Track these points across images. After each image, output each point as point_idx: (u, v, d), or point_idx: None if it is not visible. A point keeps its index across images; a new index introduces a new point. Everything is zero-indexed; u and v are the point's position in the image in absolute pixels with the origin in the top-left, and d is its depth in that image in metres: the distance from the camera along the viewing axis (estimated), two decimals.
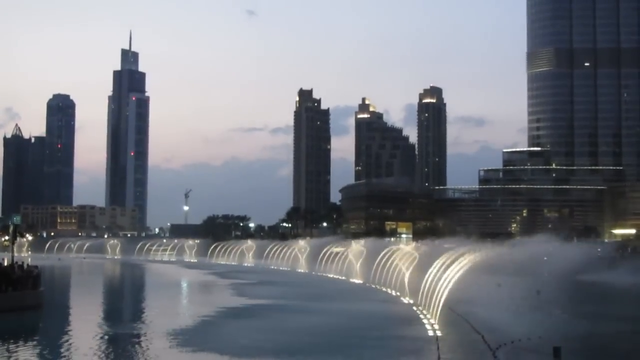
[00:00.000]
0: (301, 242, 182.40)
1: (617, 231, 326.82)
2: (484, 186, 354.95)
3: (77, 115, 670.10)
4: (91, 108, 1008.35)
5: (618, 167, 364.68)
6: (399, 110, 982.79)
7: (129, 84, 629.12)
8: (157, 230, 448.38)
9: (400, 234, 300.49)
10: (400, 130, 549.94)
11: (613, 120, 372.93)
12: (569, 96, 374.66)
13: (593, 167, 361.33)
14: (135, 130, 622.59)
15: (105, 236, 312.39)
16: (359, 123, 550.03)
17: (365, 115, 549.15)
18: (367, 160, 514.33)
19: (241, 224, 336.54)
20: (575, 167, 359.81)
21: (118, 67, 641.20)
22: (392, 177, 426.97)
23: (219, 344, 47.48)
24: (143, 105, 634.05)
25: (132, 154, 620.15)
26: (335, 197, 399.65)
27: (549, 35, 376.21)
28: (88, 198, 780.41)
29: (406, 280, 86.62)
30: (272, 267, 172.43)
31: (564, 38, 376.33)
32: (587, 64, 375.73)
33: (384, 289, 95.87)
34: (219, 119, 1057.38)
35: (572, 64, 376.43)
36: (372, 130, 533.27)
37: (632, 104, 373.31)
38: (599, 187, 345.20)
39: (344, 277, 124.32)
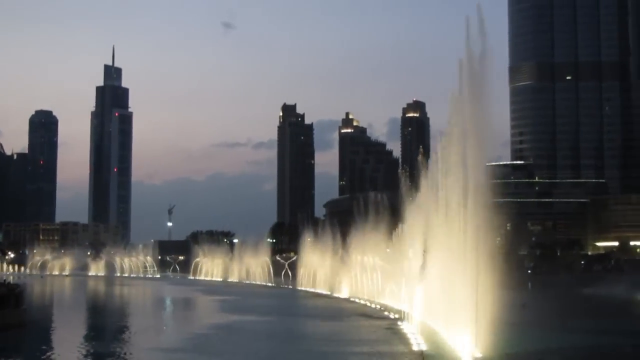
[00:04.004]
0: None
1: (600, 244, 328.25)
2: (469, 199, 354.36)
3: (60, 132, 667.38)
4: (74, 124, 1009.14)
5: (600, 180, 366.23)
6: (382, 125, 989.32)
7: (112, 100, 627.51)
8: (140, 246, 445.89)
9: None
10: (383, 145, 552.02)
11: (595, 133, 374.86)
12: (551, 109, 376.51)
13: (576, 180, 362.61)
14: (119, 146, 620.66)
15: (89, 253, 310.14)
16: (343, 137, 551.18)
17: (349, 130, 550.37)
18: (351, 175, 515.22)
19: (225, 240, 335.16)
20: (558, 180, 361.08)
21: (101, 83, 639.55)
22: (376, 191, 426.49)
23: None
24: (126, 121, 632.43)
25: (115, 170, 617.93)
26: (320, 211, 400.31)
27: (530, 49, 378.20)
28: (71, 215, 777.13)
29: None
30: (257, 282, 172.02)
31: (545, 52, 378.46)
32: (568, 78, 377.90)
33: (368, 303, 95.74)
34: (202, 134, 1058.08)
35: (553, 77, 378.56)
36: (356, 144, 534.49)
37: (614, 117, 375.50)
38: (581, 200, 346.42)
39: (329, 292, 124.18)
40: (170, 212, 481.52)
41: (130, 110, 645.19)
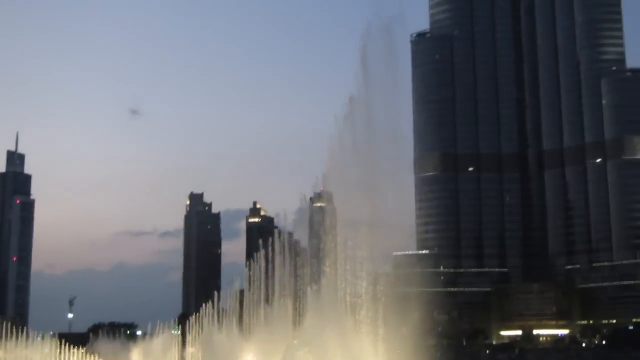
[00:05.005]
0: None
1: (505, 332, 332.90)
2: (375, 289, 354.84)
3: None
4: None
5: (503, 269, 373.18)
6: (290, 214, 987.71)
7: (13, 187, 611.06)
8: (39, 339, 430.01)
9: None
10: (291, 234, 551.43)
11: (497, 223, 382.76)
12: (455, 200, 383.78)
13: (479, 270, 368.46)
14: (19, 234, 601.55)
15: None
16: (250, 227, 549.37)
17: (256, 219, 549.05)
18: (258, 265, 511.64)
19: (128, 332, 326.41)
20: (462, 270, 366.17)
21: (3, 169, 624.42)
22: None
23: None
24: (28, 208, 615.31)
25: (14, 259, 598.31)
26: (226, 302, 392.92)
27: (434, 140, 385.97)
28: None
29: None
30: None
31: (449, 144, 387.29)
32: (471, 169, 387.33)
33: None
34: (107, 222, 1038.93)
35: (457, 168, 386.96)
36: (263, 234, 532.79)
37: (514, 207, 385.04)
38: (485, 289, 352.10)
39: None
40: (71, 303, 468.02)
41: (32, 197, 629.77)
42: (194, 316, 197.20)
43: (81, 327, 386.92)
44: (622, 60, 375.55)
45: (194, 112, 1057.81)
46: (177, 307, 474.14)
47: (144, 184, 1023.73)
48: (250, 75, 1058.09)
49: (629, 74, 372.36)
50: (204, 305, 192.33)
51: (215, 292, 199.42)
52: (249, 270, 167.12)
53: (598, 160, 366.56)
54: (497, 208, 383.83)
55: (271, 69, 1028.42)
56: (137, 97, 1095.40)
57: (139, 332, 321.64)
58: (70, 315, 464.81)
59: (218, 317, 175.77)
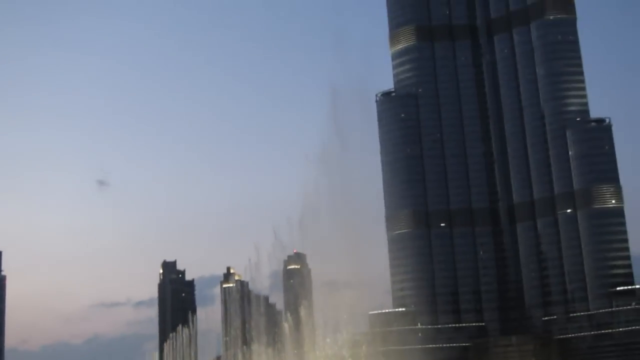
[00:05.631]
0: None
1: None
2: (353, 349, 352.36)
3: None
4: None
5: (480, 323, 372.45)
6: (264, 278, 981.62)
7: None
8: None
9: None
10: (267, 298, 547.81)
11: (472, 277, 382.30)
12: (429, 256, 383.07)
13: (457, 325, 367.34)
14: None
15: None
16: (225, 292, 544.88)
17: (231, 284, 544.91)
18: (234, 330, 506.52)
19: None
20: (440, 326, 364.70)
21: None
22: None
23: None
24: None
25: None
26: None
27: (405, 197, 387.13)
28: None
29: None
30: None
31: (419, 200, 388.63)
32: (442, 224, 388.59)
33: None
34: (79, 294, 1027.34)
35: (429, 224, 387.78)
36: (239, 299, 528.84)
37: (488, 261, 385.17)
38: (463, 344, 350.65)
39: None
40: None
41: (3, 273, 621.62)
42: None
43: None
44: (585, 111, 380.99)
45: (161, 180, 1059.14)
46: None
47: (115, 255, 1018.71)
48: (218, 139, 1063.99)
49: (593, 124, 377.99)
50: None
51: None
52: (226, 336, 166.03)
53: (569, 210, 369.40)
54: (471, 262, 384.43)
55: (238, 132, 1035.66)
56: (104, 168, 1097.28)
57: None
58: None
59: None
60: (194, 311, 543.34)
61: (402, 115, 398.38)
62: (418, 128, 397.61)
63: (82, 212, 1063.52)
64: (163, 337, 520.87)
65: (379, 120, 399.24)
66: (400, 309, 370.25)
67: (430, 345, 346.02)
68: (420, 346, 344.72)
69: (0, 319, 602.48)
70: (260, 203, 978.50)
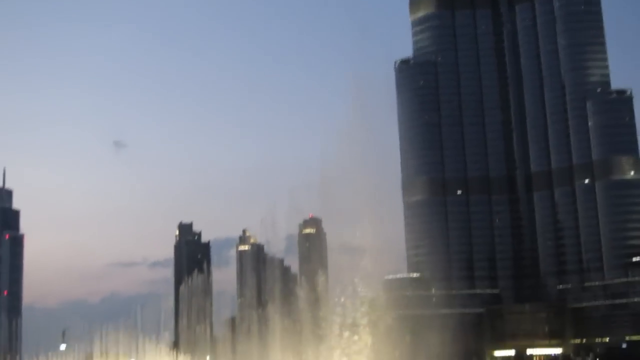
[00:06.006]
0: None
1: (498, 353, 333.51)
2: (367, 314, 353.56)
3: None
4: None
5: (494, 291, 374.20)
6: (279, 241, 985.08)
7: (2, 222, 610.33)
8: None
9: None
10: (282, 261, 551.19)
11: (487, 245, 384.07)
12: (445, 222, 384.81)
13: (471, 292, 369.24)
14: (9, 269, 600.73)
15: None
16: (240, 255, 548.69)
17: (246, 247, 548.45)
18: (250, 291, 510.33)
19: None
20: (454, 292, 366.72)
21: None
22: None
23: None
24: (17, 243, 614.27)
25: (5, 293, 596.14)
26: (218, 329, 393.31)
27: (422, 165, 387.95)
28: None
29: None
30: None
31: (436, 168, 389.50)
32: (459, 192, 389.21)
33: None
34: (96, 254, 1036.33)
35: (445, 192, 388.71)
36: (254, 261, 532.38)
37: (504, 229, 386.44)
38: (477, 311, 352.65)
39: None
40: (64, 334, 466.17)
41: (21, 232, 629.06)
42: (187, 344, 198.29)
43: (75, 358, 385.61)
44: (607, 82, 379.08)
45: (179, 142, 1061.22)
46: (170, 336, 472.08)
47: (132, 215, 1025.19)
48: (237, 102, 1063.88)
49: (614, 95, 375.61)
50: (196, 333, 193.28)
51: (208, 320, 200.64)
52: (240, 297, 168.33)
53: (586, 181, 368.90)
54: (486, 230, 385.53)
55: (259, 96, 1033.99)
56: (121, 129, 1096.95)
57: None
58: (63, 347, 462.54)
59: (211, 345, 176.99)
60: (209, 273, 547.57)
61: (421, 82, 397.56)
62: (436, 95, 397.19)
63: (99, 173, 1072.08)
64: (179, 298, 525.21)
65: (398, 87, 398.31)
66: (414, 275, 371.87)
67: (444, 311, 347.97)
68: (434, 312, 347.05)
69: (18, 276, 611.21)
70: (278, 167, 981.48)
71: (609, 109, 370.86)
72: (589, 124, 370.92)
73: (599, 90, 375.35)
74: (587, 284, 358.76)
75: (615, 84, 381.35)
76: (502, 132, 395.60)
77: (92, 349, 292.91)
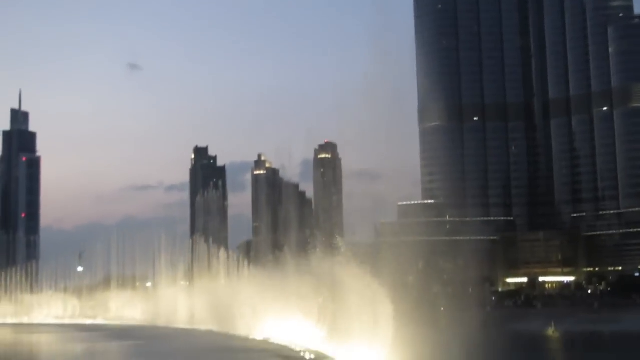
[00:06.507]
0: None
1: (511, 280, 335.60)
2: (381, 239, 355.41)
3: None
4: None
5: (509, 218, 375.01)
6: (295, 166, 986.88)
7: (19, 145, 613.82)
8: (50, 293, 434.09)
9: None
10: (297, 186, 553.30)
11: (502, 172, 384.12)
12: (460, 149, 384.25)
13: (485, 219, 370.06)
14: (26, 191, 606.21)
15: None
16: (256, 179, 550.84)
17: (262, 172, 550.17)
18: (265, 216, 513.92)
19: (138, 284, 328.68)
20: (468, 219, 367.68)
21: (7, 127, 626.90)
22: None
23: None
24: (34, 165, 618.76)
25: (23, 215, 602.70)
26: (234, 252, 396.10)
27: (438, 91, 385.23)
28: None
29: None
30: (174, 325, 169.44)
31: (453, 94, 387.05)
32: (476, 119, 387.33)
33: None
34: (112, 177, 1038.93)
35: (462, 118, 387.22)
36: (269, 186, 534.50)
37: (520, 157, 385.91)
38: (491, 238, 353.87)
39: None
40: (81, 256, 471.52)
41: (38, 154, 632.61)
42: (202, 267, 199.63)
43: (92, 280, 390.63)
44: (629, 7, 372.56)
45: (195, 65, 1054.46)
46: (185, 259, 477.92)
47: (147, 139, 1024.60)
48: (254, 25, 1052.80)
49: (636, 20, 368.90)
50: (211, 257, 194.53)
51: (223, 244, 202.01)
52: (256, 222, 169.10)
53: (605, 108, 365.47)
54: (502, 157, 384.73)
55: (274, 19, 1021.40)
56: (135, 52, 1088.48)
57: (149, 284, 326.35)
58: (80, 269, 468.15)
59: (226, 268, 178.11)
60: (225, 196, 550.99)
61: (439, 6, 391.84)
62: (455, 20, 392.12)
63: (114, 96, 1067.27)
64: (195, 222, 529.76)
65: (416, 11, 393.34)
66: (429, 201, 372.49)
67: (458, 238, 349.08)
68: (447, 238, 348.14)
69: (35, 198, 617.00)
70: (295, 92, 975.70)
71: (630, 35, 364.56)
72: (610, 50, 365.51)
73: (621, 15, 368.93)
74: (601, 212, 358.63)
75: (638, 9, 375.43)
76: (521, 58, 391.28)
77: (109, 272, 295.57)
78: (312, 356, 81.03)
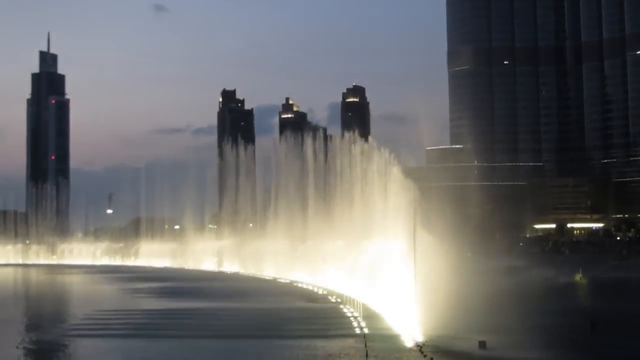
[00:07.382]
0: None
1: (539, 226, 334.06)
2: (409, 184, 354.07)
3: None
4: (9, 111, 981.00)
5: (538, 163, 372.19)
6: (322, 109, 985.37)
7: (48, 87, 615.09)
8: (80, 235, 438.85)
9: None
10: (324, 129, 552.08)
11: (532, 117, 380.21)
12: (489, 94, 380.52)
13: (514, 164, 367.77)
14: (56, 133, 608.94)
15: (27, 242, 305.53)
16: (283, 123, 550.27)
17: (289, 115, 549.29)
18: (292, 160, 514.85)
19: (166, 226, 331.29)
20: (496, 164, 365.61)
21: (36, 70, 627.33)
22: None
23: None
24: (63, 108, 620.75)
25: (52, 157, 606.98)
26: (261, 197, 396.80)
27: (468, 34, 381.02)
28: (7, 203, 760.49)
29: None
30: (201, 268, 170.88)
31: (483, 37, 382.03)
32: (506, 62, 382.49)
33: None
34: (140, 120, 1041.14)
35: (491, 62, 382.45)
36: (297, 129, 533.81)
37: (550, 101, 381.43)
38: (520, 183, 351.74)
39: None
40: (110, 199, 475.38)
41: (67, 97, 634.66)
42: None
43: (121, 222, 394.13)
44: None
45: (221, 7, 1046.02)
46: (215, 203, 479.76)
47: (174, 81, 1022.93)
48: None
49: None
50: (239, 200, 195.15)
51: (250, 187, 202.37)
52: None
53: (638, 52, 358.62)
54: (532, 102, 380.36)
55: None
56: None
57: (177, 227, 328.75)
58: (109, 211, 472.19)
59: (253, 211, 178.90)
60: (252, 140, 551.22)
61: None
62: None
63: (141, 38, 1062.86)
64: (222, 165, 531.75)
65: None
66: (457, 146, 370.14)
67: (486, 183, 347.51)
68: (475, 183, 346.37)
69: (65, 140, 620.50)
70: (322, 35, 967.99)
71: None
72: None
73: None
74: (632, 158, 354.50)
75: None
76: (553, 1, 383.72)
77: (138, 214, 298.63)
78: (338, 299, 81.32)
